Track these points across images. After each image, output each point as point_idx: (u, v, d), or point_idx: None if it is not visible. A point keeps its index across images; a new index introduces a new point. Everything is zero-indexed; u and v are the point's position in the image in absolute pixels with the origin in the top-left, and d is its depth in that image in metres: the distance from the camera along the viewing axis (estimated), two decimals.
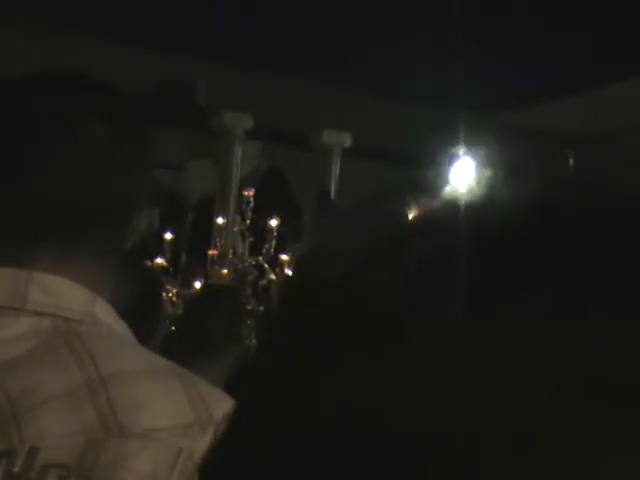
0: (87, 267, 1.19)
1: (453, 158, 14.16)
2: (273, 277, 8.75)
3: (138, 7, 10.15)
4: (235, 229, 8.87)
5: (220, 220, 8.85)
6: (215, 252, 8.70)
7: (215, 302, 3.73)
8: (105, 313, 1.17)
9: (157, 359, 1.18)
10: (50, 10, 10.57)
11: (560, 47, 11.19)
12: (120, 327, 1.18)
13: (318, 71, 10.96)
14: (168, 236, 8.57)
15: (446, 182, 14.46)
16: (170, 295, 8.33)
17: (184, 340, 3.65)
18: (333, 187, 10.14)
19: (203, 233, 8.75)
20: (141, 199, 1.24)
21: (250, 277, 8.71)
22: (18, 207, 1.16)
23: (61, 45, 11.39)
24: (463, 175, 14.40)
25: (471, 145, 13.65)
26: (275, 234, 8.77)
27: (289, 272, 8.85)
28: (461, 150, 13.70)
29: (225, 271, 8.70)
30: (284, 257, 8.77)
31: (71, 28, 11.11)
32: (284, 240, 9.02)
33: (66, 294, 1.16)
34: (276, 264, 8.79)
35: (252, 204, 8.83)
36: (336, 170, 10.14)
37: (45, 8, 10.52)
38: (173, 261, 8.56)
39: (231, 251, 8.79)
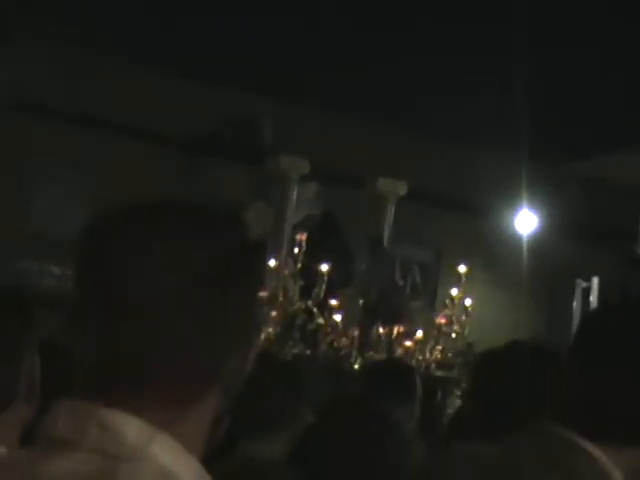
0: (158, 403, 1.19)
1: (515, 209, 14.12)
2: (321, 321, 8.78)
3: (206, 43, 10.33)
4: (286, 272, 8.91)
5: (272, 262, 8.90)
6: (265, 294, 8.76)
7: (275, 381, 3.56)
8: (164, 450, 1.17)
9: None
10: (120, 44, 10.78)
11: (630, 96, 11.12)
12: (178, 466, 1.18)
13: (380, 117, 11.03)
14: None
15: (508, 232, 14.39)
16: None
17: (243, 414, 3.60)
18: (386, 234, 10.15)
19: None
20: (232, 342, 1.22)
21: (299, 321, 8.76)
22: (99, 345, 1.19)
23: (130, 81, 11.64)
24: (525, 226, 14.33)
25: (534, 196, 13.60)
26: (325, 279, 8.81)
27: (337, 317, 8.88)
28: (523, 201, 13.65)
29: (274, 313, 8.76)
30: (333, 302, 8.81)
31: (139, 63, 11.33)
32: (334, 285, 9.06)
33: (121, 430, 1.17)
34: (325, 309, 8.83)
35: (304, 248, 8.89)
36: (390, 217, 10.15)
37: (113, 41, 10.73)
38: None
39: (282, 293, 8.83)
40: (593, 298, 13.09)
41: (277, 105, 11.23)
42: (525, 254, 13.52)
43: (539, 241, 13.68)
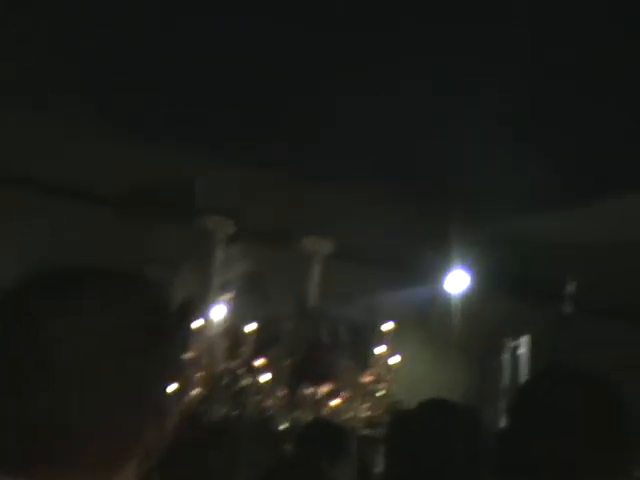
0: (80, 475, 1.16)
1: (447, 267, 14.24)
2: (248, 382, 8.77)
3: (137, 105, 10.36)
4: (212, 333, 8.91)
5: (197, 323, 8.89)
6: (190, 355, 8.73)
7: (201, 442, 3.54)
8: None
9: None
10: (55, 104, 10.76)
11: (562, 156, 11.30)
12: None
13: (302, 178, 11.11)
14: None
15: (440, 290, 14.50)
16: None
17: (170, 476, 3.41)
18: (312, 293, 10.19)
19: (182, 337, 8.79)
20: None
21: (225, 381, 8.73)
22: (16, 419, 1.15)
23: (64, 140, 11.62)
24: (456, 285, 14.45)
25: (464, 255, 13.75)
26: (251, 339, 8.82)
27: (264, 378, 8.87)
28: (454, 261, 13.79)
29: (200, 374, 8.72)
30: (259, 362, 8.81)
31: (76, 125, 11.32)
32: (260, 345, 9.06)
33: None
34: (251, 369, 8.82)
35: (229, 308, 8.90)
36: (315, 276, 10.21)
37: (46, 101, 10.71)
38: None
39: (207, 354, 8.81)
40: (522, 356, 13.24)
41: (207, 166, 11.29)
42: (456, 313, 13.65)
43: (470, 299, 13.82)
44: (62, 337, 1.15)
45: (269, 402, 8.85)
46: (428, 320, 14.21)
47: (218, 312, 9.10)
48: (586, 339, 12.19)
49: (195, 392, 8.69)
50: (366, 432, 9.13)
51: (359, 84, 9.36)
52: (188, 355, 8.79)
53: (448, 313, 13.65)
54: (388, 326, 9.37)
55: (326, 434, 4.45)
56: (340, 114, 10.10)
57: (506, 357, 13.65)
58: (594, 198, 12.29)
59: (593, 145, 10.71)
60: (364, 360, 9.60)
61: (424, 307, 14.16)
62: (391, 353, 9.29)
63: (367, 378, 9.11)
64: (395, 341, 12.01)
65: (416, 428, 2.83)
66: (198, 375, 8.75)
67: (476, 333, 14.54)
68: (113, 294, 1.21)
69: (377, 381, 9.14)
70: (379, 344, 9.43)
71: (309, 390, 9.11)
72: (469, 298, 13.81)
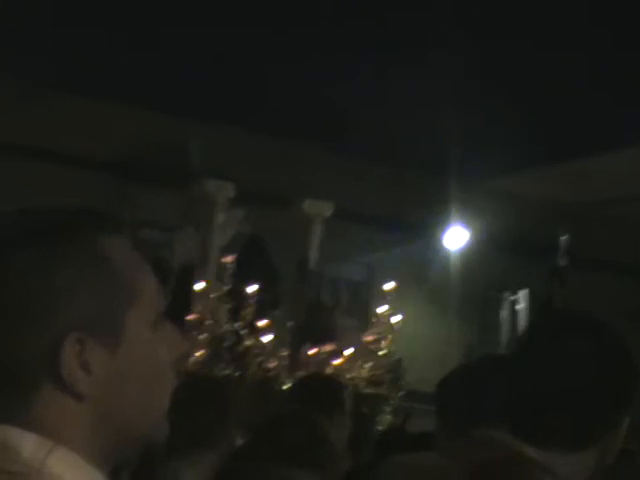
0: (52, 415, 1.17)
1: (445, 224, 14.30)
2: (250, 343, 8.86)
3: (137, 68, 10.35)
4: (212, 295, 8.97)
5: (199, 286, 8.96)
6: (193, 318, 8.82)
7: (199, 395, 3.52)
8: (62, 463, 1.15)
9: None
10: (46, 69, 10.75)
11: (553, 116, 11.34)
12: (76, 478, 1.16)
13: (302, 139, 11.14)
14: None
15: (438, 248, 14.58)
16: None
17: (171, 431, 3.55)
18: (313, 255, 10.26)
19: (183, 299, 8.87)
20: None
21: (227, 343, 8.82)
22: None
23: (60, 106, 11.62)
24: (454, 241, 14.53)
25: (463, 212, 13.81)
26: (253, 300, 8.89)
27: (266, 339, 8.97)
28: (452, 217, 13.86)
29: (203, 336, 8.81)
30: (261, 323, 8.90)
31: (70, 87, 11.31)
32: (262, 306, 9.14)
33: (15, 446, 1.14)
34: (253, 330, 8.91)
35: (231, 270, 8.96)
36: (316, 238, 10.28)
37: (41, 67, 10.68)
38: None
39: (210, 316, 8.89)
40: (521, 310, 13.35)
41: (204, 129, 11.32)
42: (455, 269, 13.74)
43: (468, 256, 13.90)
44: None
45: (272, 363, 8.94)
46: (427, 277, 14.30)
47: (220, 274, 9.17)
48: (581, 291, 12.31)
49: (198, 354, 8.79)
50: (369, 390, 9.25)
51: (365, 48, 9.43)
52: (191, 317, 8.89)
53: (447, 270, 13.74)
54: (389, 285, 9.45)
55: (322, 388, 4.44)
56: (338, 79, 10.14)
57: (505, 311, 13.78)
58: (583, 156, 12.39)
59: (581, 105, 10.77)
60: (366, 319, 9.69)
61: (423, 265, 14.25)
62: (392, 312, 9.37)
63: (369, 337, 9.20)
64: (396, 300, 12.12)
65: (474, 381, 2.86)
66: (201, 337, 8.84)
67: (475, 288, 14.64)
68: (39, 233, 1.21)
69: (378, 340, 9.23)
70: (380, 303, 9.51)
71: (311, 350, 9.21)
72: (467, 254, 13.90)
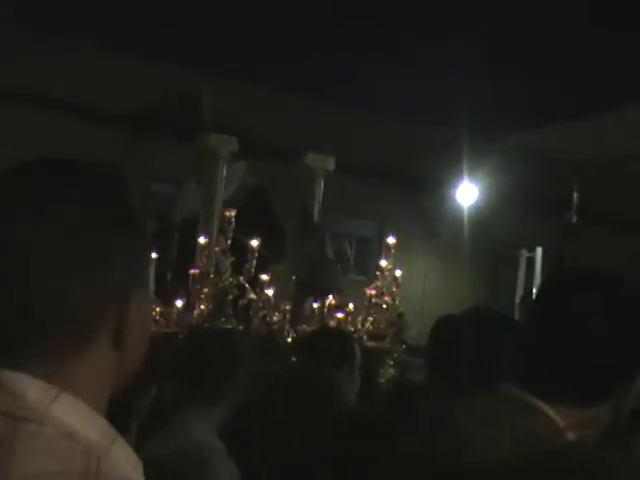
0: (52, 363, 1.19)
1: (457, 180, 14.23)
2: (253, 296, 8.90)
3: (147, 21, 10.38)
4: (217, 249, 9.01)
5: (202, 240, 9.00)
6: (197, 271, 8.86)
7: (208, 348, 3.56)
8: (67, 409, 1.18)
9: (74, 459, 1.14)
10: (59, 21, 10.80)
11: (567, 72, 11.26)
12: (82, 424, 1.18)
13: (305, 91, 11.12)
14: (153, 255, 8.72)
15: (451, 204, 14.53)
16: (154, 313, 8.54)
17: (180, 383, 3.53)
18: (316, 209, 10.27)
19: (187, 253, 8.92)
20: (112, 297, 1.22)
21: (230, 296, 8.87)
22: None
23: (72, 57, 11.67)
24: (466, 197, 14.47)
25: (474, 168, 13.73)
26: (256, 254, 8.92)
27: (269, 292, 9.01)
28: (463, 173, 13.79)
29: (206, 290, 8.86)
30: (264, 277, 8.93)
31: (78, 39, 11.35)
32: (265, 260, 9.18)
33: (21, 391, 1.17)
34: (257, 284, 8.95)
35: (234, 224, 8.99)
36: (319, 192, 10.29)
37: (53, 19, 10.74)
38: (157, 279, 8.73)
39: (213, 270, 8.93)
40: (533, 267, 13.27)
41: (211, 82, 11.33)
42: (467, 225, 13.73)
43: (481, 212, 13.87)
44: (17, 220, 1.18)
45: (275, 316, 8.99)
46: (439, 233, 14.30)
47: (223, 228, 9.20)
48: (594, 249, 12.27)
49: (202, 307, 8.85)
50: (371, 344, 9.28)
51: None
52: (194, 271, 8.94)
53: (459, 226, 13.73)
54: (392, 240, 9.45)
55: (331, 341, 4.48)
56: (349, 32, 10.10)
57: (517, 268, 13.70)
58: (595, 113, 12.31)
59: (593, 62, 10.69)
60: (370, 274, 9.69)
61: (435, 220, 14.23)
62: (395, 266, 9.38)
63: (371, 291, 9.22)
64: (404, 255, 12.12)
65: (466, 332, 2.88)
66: (205, 291, 8.90)
67: (487, 245, 14.61)
68: (65, 178, 1.23)
69: (381, 294, 9.25)
70: (384, 257, 9.51)
71: (314, 304, 9.25)
72: (480, 210, 13.87)
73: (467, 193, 13.98)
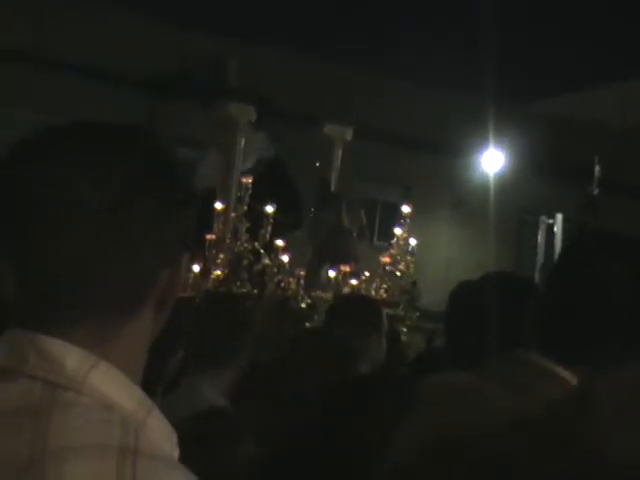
0: (97, 330, 1.19)
1: (482, 147, 14.28)
2: (268, 262, 9.08)
3: None
4: (233, 214, 9.19)
5: (219, 205, 9.18)
6: (213, 237, 9.06)
7: (216, 312, 3.62)
8: (104, 379, 1.18)
9: (111, 432, 1.13)
10: None
11: (591, 39, 11.25)
12: (119, 394, 1.18)
13: (336, 59, 11.18)
14: None
15: (475, 171, 14.60)
16: None
17: (188, 347, 3.60)
18: (334, 178, 10.41)
19: (204, 219, 9.12)
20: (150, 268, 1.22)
21: (245, 261, 9.06)
22: (27, 273, 1.18)
23: (96, 21, 11.79)
24: (491, 165, 14.51)
25: (499, 135, 13.77)
26: (271, 220, 9.10)
27: (284, 258, 9.19)
28: (489, 140, 13.82)
29: (222, 255, 9.06)
30: (279, 243, 9.11)
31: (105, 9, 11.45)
32: (281, 226, 9.34)
33: (60, 358, 1.16)
34: (272, 250, 9.13)
35: (249, 191, 9.16)
36: (337, 162, 10.41)
37: None
38: None
39: (229, 236, 9.12)
40: (557, 234, 13.34)
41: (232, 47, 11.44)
42: (491, 192, 13.78)
43: (505, 179, 13.93)
44: (62, 188, 1.17)
45: (289, 282, 9.16)
46: (464, 200, 14.37)
47: (240, 195, 9.37)
48: (615, 219, 12.30)
49: (218, 273, 9.05)
50: (386, 311, 9.43)
51: None
52: (211, 237, 9.13)
53: (484, 193, 13.79)
54: (407, 208, 9.58)
55: (361, 307, 4.51)
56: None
57: (541, 235, 13.77)
58: (620, 81, 12.26)
59: (616, 31, 10.64)
60: (388, 241, 9.83)
61: (460, 187, 14.31)
62: (411, 234, 9.51)
63: (385, 259, 9.37)
64: (429, 221, 12.22)
65: (483, 298, 2.84)
66: (221, 256, 9.09)
67: (511, 211, 14.67)
68: (107, 144, 1.22)
69: (395, 262, 9.39)
70: (398, 225, 9.64)
71: (330, 271, 9.41)
72: (504, 177, 13.91)
73: (492, 160, 14.03)
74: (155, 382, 3.50)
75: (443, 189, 13.85)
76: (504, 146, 13.60)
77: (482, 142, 13.63)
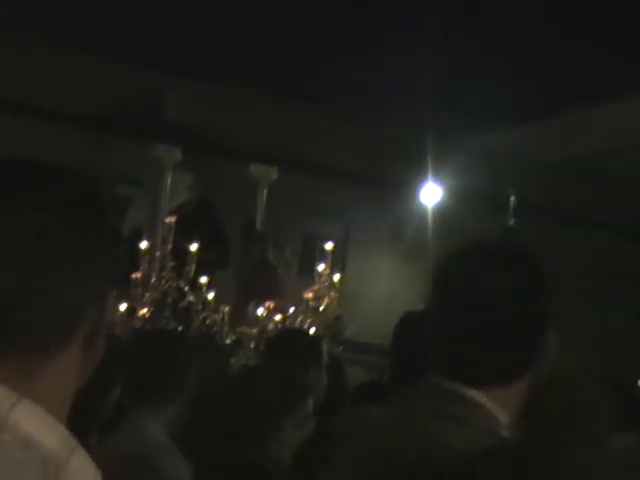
0: (22, 365, 1.17)
1: (421, 181, 14.49)
2: (192, 299, 9.29)
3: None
4: (158, 254, 9.38)
5: (144, 244, 9.37)
6: (138, 275, 9.25)
7: (157, 348, 3.62)
8: (26, 417, 1.16)
9: (30, 473, 1.12)
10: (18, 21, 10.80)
11: (529, 72, 11.41)
12: (42, 433, 1.15)
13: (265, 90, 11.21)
14: None
15: (415, 204, 14.79)
16: None
17: (130, 384, 3.60)
18: (259, 217, 10.60)
19: (131, 258, 9.28)
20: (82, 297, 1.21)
21: (170, 299, 9.26)
22: None
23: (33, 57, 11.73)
24: (430, 198, 14.73)
25: (438, 168, 13.98)
26: (195, 258, 9.30)
27: (209, 295, 9.38)
28: (427, 174, 14.04)
29: (148, 295, 9.25)
30: (203, 280, 9.32)
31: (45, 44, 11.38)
32: (206, 264, 9.53)
33: None
34: (196, 287, 9.33)
35: (173, 230, 9.37)
36: (262, 201, 10.60)
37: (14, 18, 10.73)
38: None
39: (154, 275, 9.31)
40: None
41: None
42: (429, 225, 13.98)
43: (443, 212, 14.10)
44: None
45: (214, 318, 9.35)
46: (402, 234, 14.56)
47: (164, 234, 9.57)
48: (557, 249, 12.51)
49: (143, 311, 9.23)
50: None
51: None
52: (137, 275, 9.32)
53: (424, 227, 13.98)
54: (330, 245, 9.80)
55: (297, 341, 4.61)
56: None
57: None
58: (553, 114, 12.53)
59: (550, 64, 10.83)
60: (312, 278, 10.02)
61: (397, 222, 14.49)
62: (333, 270, 9.74)
63: (309, 294, 9.59)
64: (374, 255, 12.37)
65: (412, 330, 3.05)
66: (147, 295, 9.27)
67: (449, 244, 14.84)
68: (39, 181, 1.23)
69: (319, 297, 9.60)
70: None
71: (256, 307, 9.60)
72: (442, 210, 14.08)
73: (431, 193, 14.22)
74: (91, 420, 3.57)
75: (382, 223, 14.03)
76: (442, 179, 13.80)
77: (420, 175, 13.80)
